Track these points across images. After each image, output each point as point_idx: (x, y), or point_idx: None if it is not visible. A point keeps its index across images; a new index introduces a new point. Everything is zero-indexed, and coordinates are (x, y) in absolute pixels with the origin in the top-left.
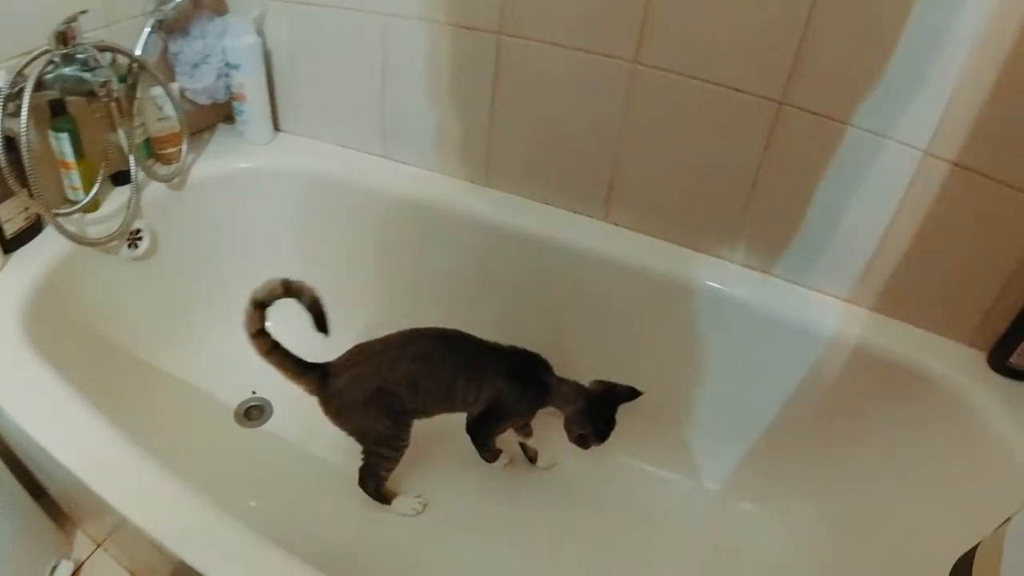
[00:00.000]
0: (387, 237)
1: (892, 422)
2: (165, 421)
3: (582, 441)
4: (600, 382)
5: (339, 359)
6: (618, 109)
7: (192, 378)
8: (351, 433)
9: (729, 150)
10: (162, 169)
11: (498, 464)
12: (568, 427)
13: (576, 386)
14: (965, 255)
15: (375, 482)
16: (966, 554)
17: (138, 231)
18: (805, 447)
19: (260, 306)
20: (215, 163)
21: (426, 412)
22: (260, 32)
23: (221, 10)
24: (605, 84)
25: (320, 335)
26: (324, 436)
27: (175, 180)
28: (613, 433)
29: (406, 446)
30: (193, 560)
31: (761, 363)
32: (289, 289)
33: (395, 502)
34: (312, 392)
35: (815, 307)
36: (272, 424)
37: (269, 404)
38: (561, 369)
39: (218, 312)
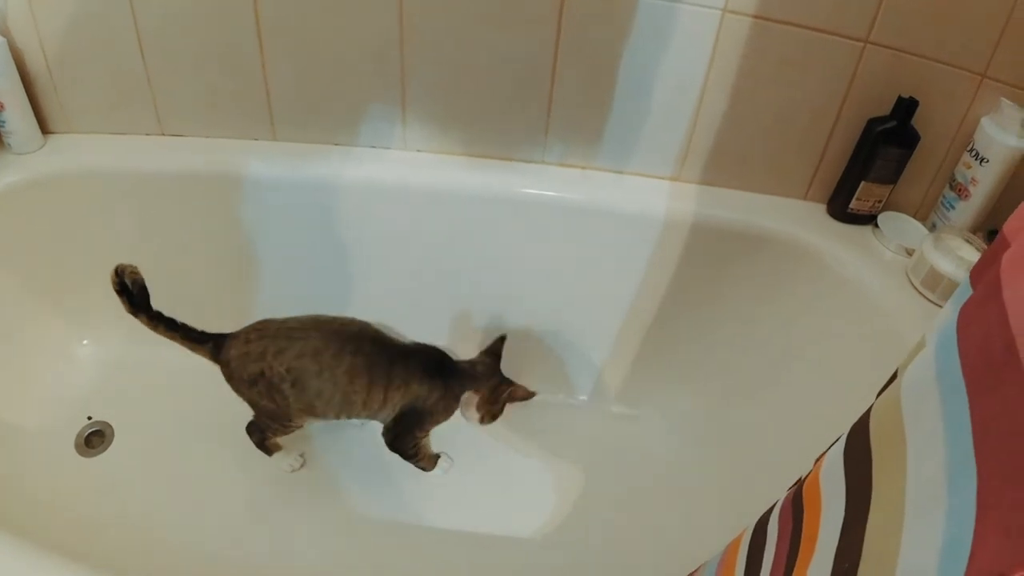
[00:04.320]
0: (183, 219)
1: (747, 293)
2: (2, 475)
3: (494, 415)
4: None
5: (241, 330)
6: (393, 23)
7: (19, 421)
8: (244, 400)
9: (520, 47)
10: None
11: (439, 471)
12: (481, 407)
13: (481, 362)
14: (784, 109)
15: (260, 435)
16: (858, 423)
17: None
18: (666, 338)
19: (119, 292)
20: None
21: (314, 414)
22: (4, 31)
23: None
24: (372, 2)
25: None
26: (176, 444)
27: None
28: None
29: (299, 427)
30: None
31: (600, 262)
32: (119, 274)
33: (276, 456)
34: (209, 360)
35: (643, 193)
36: (117, 446)
37: (108, 426)
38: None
39: (26, 342)
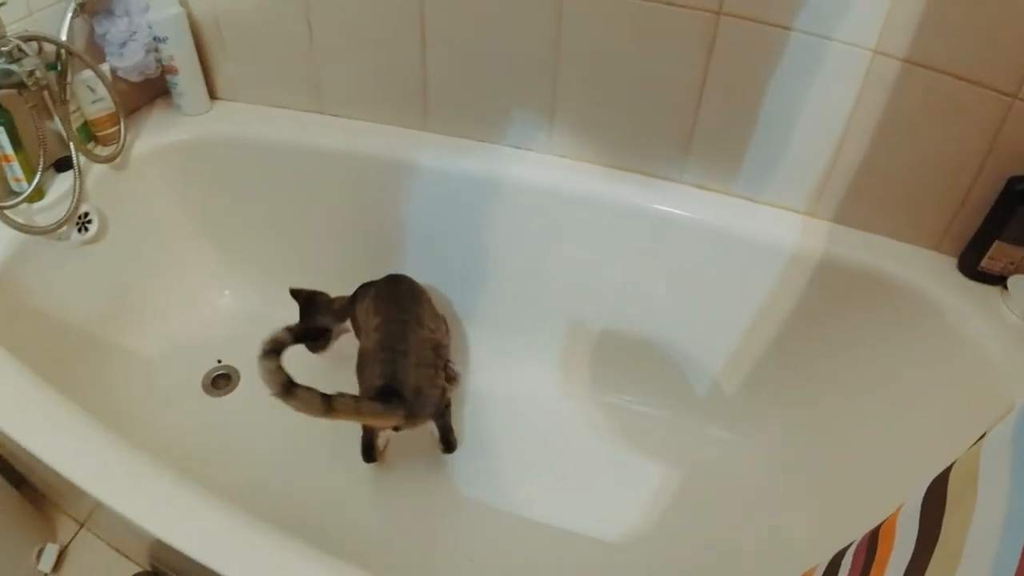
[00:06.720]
0: (332, 193)
1: (863, 335)
2: (132, 398)
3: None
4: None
5: (393, 374)
6: (551, 37)
7: (155, 353)
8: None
9: (669, 69)
10: (103, 151)
11: None
12: None
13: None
14: (925, 157)
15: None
16: (941, 473)
17: (87, 214)
18: (775, 367)
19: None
20: (155, 138)
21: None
22: (183, 2)
23: None
24: (535, 10)
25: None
26: None
27: (117, 160)
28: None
29: None
30: (167, 536)
31: (724, 285)
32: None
33: None
34: (403, 425)
35: (775, 223)
36: (241, 391)
37: (236, 371)
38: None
39: (173, 285)
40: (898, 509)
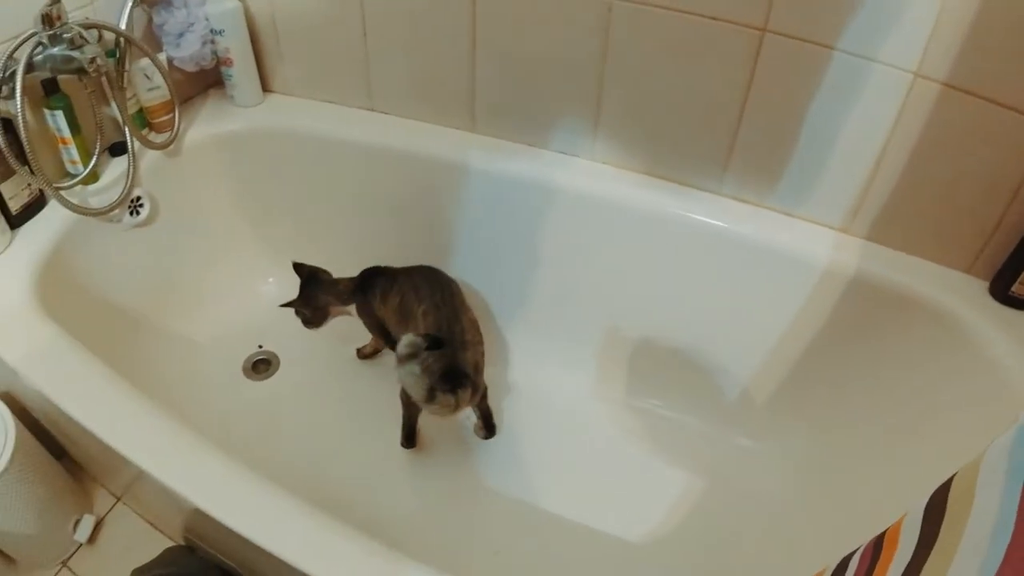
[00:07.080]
0: (378, 189)
1: (890, 352)
2: (175, 378)
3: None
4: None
5: (454, 354)
6: (598, 46)
7: (199, 336)
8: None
9: (713, 83)
10: (157, 137)
11: None
12: None
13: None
14: (961, 181)
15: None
16: (944, 482)
17: (139, 198)
18: (802, 381)
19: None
20: (207, 128)
21: None
22: None
23: None
24: (584, 20)
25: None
26: (332, 385)
27: (170, 147)
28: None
29: None
30: (207, 506)
31: (756, 297)
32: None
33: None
34: (468, 402)
35: (809, 238)
36: (280, 376)
37: (276, 357)
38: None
39: (220, 271)
40: (903, 515)
